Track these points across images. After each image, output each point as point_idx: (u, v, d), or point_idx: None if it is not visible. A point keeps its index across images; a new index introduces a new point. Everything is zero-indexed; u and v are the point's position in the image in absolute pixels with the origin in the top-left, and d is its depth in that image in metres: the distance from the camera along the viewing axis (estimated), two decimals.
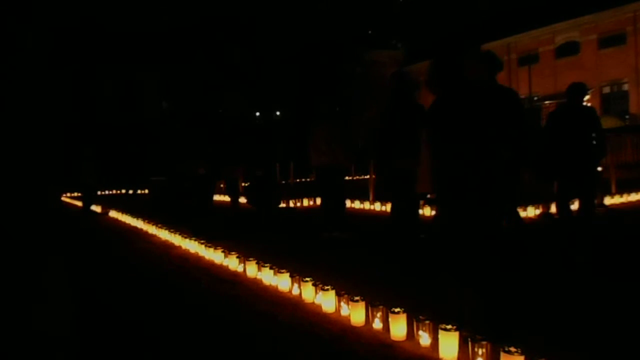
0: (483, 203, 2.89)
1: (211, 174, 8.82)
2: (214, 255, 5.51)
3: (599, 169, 10.51)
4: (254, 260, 4.69)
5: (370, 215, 9.16)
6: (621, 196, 9.50)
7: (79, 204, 12.28)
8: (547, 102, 29.23)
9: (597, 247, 5.44)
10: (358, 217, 8.96)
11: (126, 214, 10.06)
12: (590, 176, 5.27)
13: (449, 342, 2.66)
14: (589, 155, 5.23)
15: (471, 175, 2.88)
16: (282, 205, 10.37)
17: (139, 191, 18.35)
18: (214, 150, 8.83)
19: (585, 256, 4.83)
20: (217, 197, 14.11)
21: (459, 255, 2.99)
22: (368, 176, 11.56)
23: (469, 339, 2.58)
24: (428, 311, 3.01)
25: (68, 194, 16.74)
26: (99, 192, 13.22)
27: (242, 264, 4.85)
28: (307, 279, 3.86)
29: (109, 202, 13.31)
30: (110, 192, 19.28)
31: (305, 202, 11.12)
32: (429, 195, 9.15)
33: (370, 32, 42.17)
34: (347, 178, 7.12)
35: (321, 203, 6.96)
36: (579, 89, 5.47)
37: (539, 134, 5.54)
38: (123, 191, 19.64)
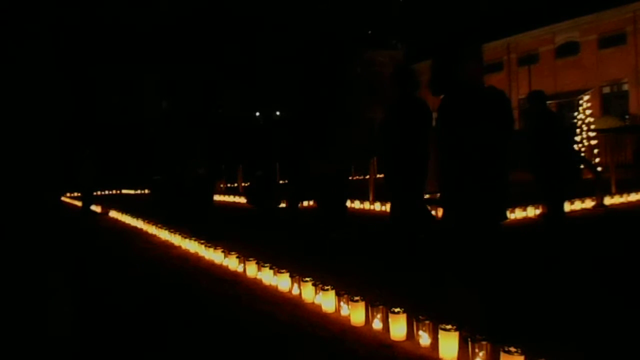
0: (486, 202, 2.89)
1: (211, 174, 8.84)
2: (214, 255, 5.52)
3: (599, 169, 10.54)
4: (254, 260, 4.69)
5: (370, 215, 9.17)
6: (621, 196, 9.50)
7: (79, 204, 12.29)
8: (547, 102, 29.21)
9: (597, 247, 5.46)
10: (358, 217, 8.96)
11: (126, 214, 10.06)
12: (553, 183, 5.38)
13: (449, 342, 2.66)
14: (552, 163, 5.34)
15: (474, 175, 2.89)
16: (282, 205, 10.36)
17: (140, 191, 18.37)
18: (214, 150, 8.87)
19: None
20: (218, 198, 14.15)
21: (462, 255, 2.99)
22: (368, 176, 11.57)
23: (469, 339, 2.58)
24: (428, 311, 3.01)
25: (68, 194, 16.76)
26: (98, 192, 13.20)
27: (242, 264, 4.85)
28: (307, 279, 3.86)
29: (109, 202, 13.32)
30: (110, 192, 19.28)
31: (305, 202, 11.11)
32: (427, 196, 9.21)
33: (370, 32, 42.18)
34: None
35: (323, 203, 6.94)
36: (538, 96, 5.55)
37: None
38: (126, 191, 19.66)
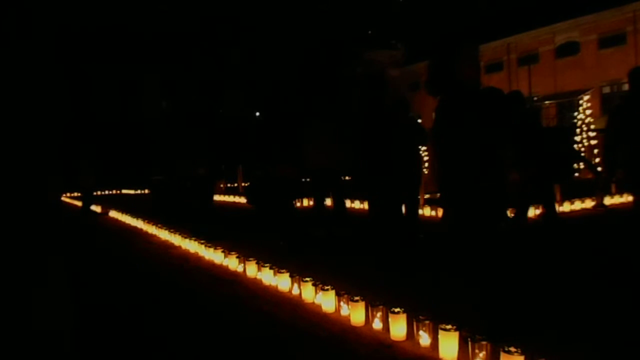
0: (485, 202, 2.89)
1: (211, 173, 8.84)
2: (214, 255, 5.52)
3: (599, 169, 10.56)
4: (254, 260, 4.69)
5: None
6: (621, 196, 9.50)
7: (79, 204, 12.29)
8: (547, 102, 29.24)
9: (597, 247, 5.46)
10: (358, 217, 8.95)
11: (126, 214, 10.05)
12: (541, 183, 5.44)
13: (449, 342, 2.66)
14: (536, 164, 5.41)
15: (474, 175, 2.88)
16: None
17: (140, 191, 18.38)
18: (215, 149, 8.89)
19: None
20: (218, 197, 14.15)
21: (464, 255, 2.99)
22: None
23: (469, 339, 2.58)
24: (428, 311, 3.01)
25: (68, 194, 16.76)
26: (98, 192, 13.18)
27: (242, 264, 4.85)
28: (307, 279, 3.85)
29: (109, 202, 13.31)
30: (110, 192, 19.28)
31: (306, 202, 11.11)
32: (427, 195, 9.24)
33: (370, 32, 42.16)
34: (347, 178, 7.16)
35: (315, 202, 7.00)
36: (515, 98, 5.62)
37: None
38: (125, 191, 19.67)
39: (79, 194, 12.66)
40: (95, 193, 12.29)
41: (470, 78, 2.95)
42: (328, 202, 7.00)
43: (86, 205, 11.36)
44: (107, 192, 18.93)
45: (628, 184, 4.68)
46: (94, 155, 11.34)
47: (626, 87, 30.32)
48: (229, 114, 32.95)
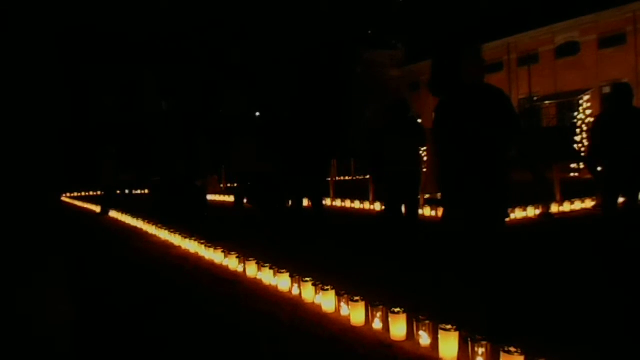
0: (487, 202, 2.88)
1: (190, 174, 9.11)
2: (214, 255, 5.52)
3: (598, 169, 10.54)
4: (254, 260, 4.69)
5: (370, 215, 9.16)
6: (622, 196, 9.48)
7: (80, 204, 12.27)
8: (547, 102, 29.25)
9: (597, 246, 5.46)
10: (358, 217, 8.97)
11: (126, 214, 10.05)
12: None
13: (449, 342, 2.66)
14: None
15: (475, 174, 2.88)
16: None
17: (140, 191, 18.36)
18: (212, 150, 9.09)
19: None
20: (217, 197, 14.17)
21: (464, 255, 2.99)
22: (368, 176, 11.56)
23: (469, 339, 2.58)
24: (428, 311, 3.01)
25: (68, 194, 16.74)
26: (118, 192, 13.22)
27: (242, 264, 4.85)
28: (307, 279, 3.85)
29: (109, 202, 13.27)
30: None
31: (305, 202, 11.10)
32: (427, 196, 9.33)
33: (370, 32, 42.19)
34: (347, 178, 7.34)
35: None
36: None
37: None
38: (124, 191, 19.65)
39: (100, 193, 12.59)
40: (119, 192, 12.55)
41: (473, 78, 2.95)
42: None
43: (105, 206, 11.41)
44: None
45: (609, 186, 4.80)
46: (117, 155, 11.49)
47: None
48: (228, 114, 32.94)
